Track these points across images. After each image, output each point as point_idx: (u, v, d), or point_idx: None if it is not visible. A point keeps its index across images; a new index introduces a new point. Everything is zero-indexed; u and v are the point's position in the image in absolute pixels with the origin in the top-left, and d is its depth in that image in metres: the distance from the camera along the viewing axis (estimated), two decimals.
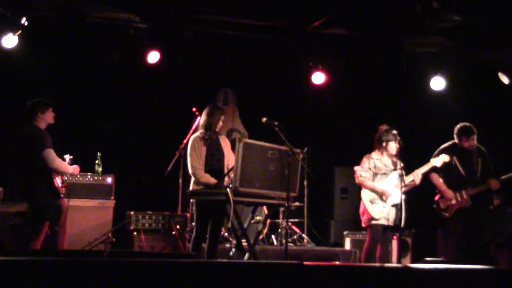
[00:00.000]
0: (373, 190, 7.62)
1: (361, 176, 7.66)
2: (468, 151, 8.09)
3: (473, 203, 7.98)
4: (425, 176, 7.79)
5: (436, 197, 8.18)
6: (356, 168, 7.73)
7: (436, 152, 8.11)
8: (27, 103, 7.38)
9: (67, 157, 7.63)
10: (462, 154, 8.09)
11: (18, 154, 7.38)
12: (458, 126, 8.12)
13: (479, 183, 8.02)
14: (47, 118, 7.37)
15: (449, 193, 8.04)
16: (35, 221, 7.37)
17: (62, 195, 7.54)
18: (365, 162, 7.72)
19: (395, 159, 7.69)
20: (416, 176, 7.66)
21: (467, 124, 8.08)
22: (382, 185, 7.62)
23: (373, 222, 7.58)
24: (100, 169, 8.82)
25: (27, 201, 7.55)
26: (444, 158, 7.84)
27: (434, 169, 7.93)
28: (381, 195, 7.58)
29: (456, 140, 8.11)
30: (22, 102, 7.54)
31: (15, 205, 8.06)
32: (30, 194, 7.33)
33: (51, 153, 7.17)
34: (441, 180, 8.10)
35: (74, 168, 7.52)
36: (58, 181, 7.48)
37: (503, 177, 8.02)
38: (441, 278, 4.53)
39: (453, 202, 8.02)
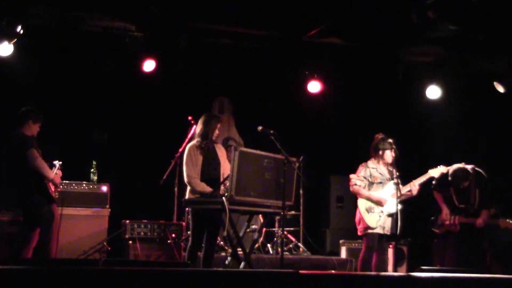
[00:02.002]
0: (368, 199, 7.62)
1: (355, 184, 7.67)
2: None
3: (462, 229, 7.99)
4: (423, 186, 7.80)
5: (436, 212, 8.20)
6: (352, 176, 7.74)
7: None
8: (21, 108, 7.41)
9: (57, 163, 7.60)
10: (459, 187, 8.05)
11: (9, 160, 7.40)
12: (451, 171, 7.98)
13: (472, 215, 8.00)
14: (35, 129, 7.45)
15: (446, 211, 8.07)
16: (26, 227, 7.36)
17: (55, 200, 7.50)
18: (361, 170, 7.72)
19: (391, 168, 7.71)
20: (413, 186, 7.67)
21: (462, 168, 7.98)
22: (378, 194, 7.62)
23: (369, 231, 7.58)
24: (95, 178, 8.80)
25: (19, 206, 7.55)
26: (441, 169, 7.85)
27: (435, 187, 7.97)
28: (377, 203, 7.59)
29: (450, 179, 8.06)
30: (17, 110, 7.55)
31: (9, 213, 8.04)
32: (22, 199, 7.33)
33: (33, 153, 7.19)
34: (442, 199, 8.13)
35: (56, 176, 7.46)
36: (51, 185, 7.43)
37: (493, 209, 8.01)
38: (437, 287, 4.53)
39: (447, 222, 8.06)
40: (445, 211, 8.07)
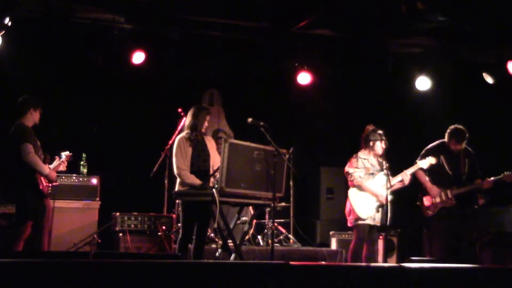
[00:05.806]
0: (361, 190, 7.62)
1: (359, 177, 7.63)
2: (455, 151, 8.14)
3: (457, 203, 8.03)
4: (413, 176, 7.84)
5: (421, 195, 8.21)
6: (351, 170, 7.68)
7: (423, 151, 8.13)
8: (18, 99, 7.29)
9: (63, 154, 7.50)
10: (449, 154, 8.13)
11: (5, 153, 7.32)
12: (453, 127, 8.10)
13: (465, 184, 8.06)
14: (36, 116, 7.27)
15: (435, 190, 8.05)
16: (17, 220, 7.31)
17: (47, 195, 7.43)
18: (355, 162, 7.71)
19: (381, 159, 7.72)
20: (405, 176, 7.70)
21: (462, 128, 8.07)
22: (371, 185, 7.62)
23: (360, 222, 7.60)
24: (85, 170, 8.79)
25: (13, 199, 7.50)
26: (430, 160, 7.87)
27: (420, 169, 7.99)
28: (375, 196, 7.58)
29: (445, 139, 8.13)
30: (6, 103, 7.49)
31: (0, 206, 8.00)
32: (15, 192, 7.26)
33: (26, 147, 6.96)
34: (426, 178, 8.12)
35: (50, 172, 7.33)
36: (43, 180, 7.34)
37: (493, 178, 8.04)
38: (427, 277, 4.55)
39: (438, 200, 8.05)
40: (434, 189, 8.04)
